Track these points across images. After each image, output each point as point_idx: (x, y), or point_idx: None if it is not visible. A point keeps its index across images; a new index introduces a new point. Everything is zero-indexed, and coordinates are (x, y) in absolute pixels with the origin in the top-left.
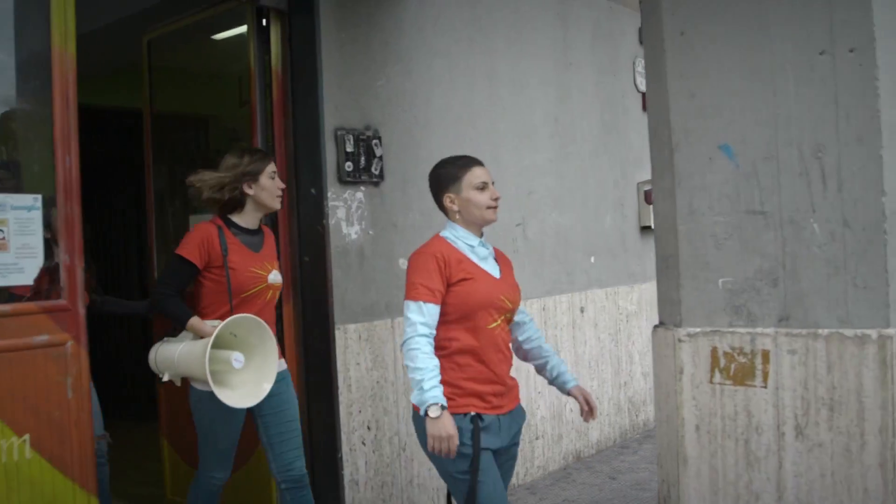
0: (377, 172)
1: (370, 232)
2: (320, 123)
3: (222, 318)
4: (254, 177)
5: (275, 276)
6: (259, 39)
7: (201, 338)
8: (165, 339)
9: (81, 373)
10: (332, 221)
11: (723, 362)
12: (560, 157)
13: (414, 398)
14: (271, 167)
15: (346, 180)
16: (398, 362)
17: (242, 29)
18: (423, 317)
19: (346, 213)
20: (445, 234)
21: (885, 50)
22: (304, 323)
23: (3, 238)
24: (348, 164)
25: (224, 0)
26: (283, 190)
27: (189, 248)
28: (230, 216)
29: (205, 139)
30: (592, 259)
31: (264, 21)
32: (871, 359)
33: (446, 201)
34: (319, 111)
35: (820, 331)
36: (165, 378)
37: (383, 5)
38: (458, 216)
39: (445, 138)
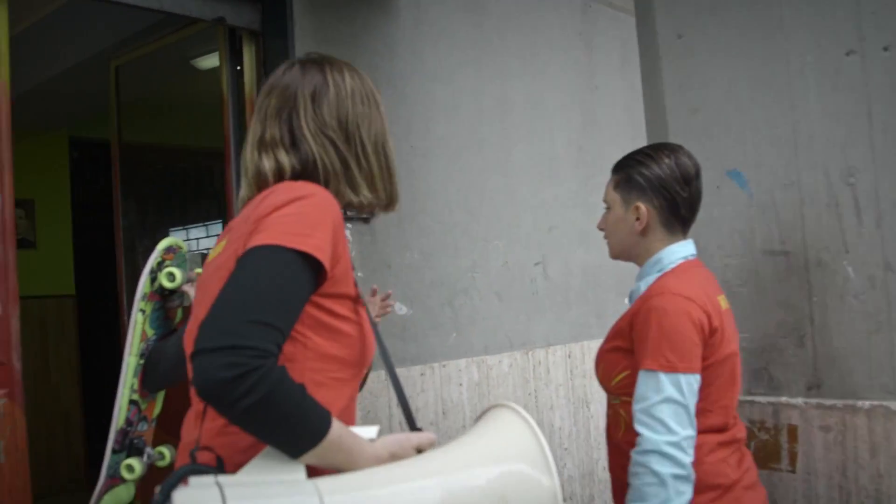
0: None
1: (359, 274)
2: None
3: (344, 416)
4: None
5: None
6: (231, 65)
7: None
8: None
9: (17, 434)
10: None
11: None
12: (586, 189)
13: None
14: None
15: None
16: (394, 419)
17: (215, 53)
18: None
19: None
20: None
21: None
22: None
23: None
24: None
25: (192, 22)
26: None
27: (316, 238)
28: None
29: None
30: (627, 300)
31: (237, 44)
32: None
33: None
34: None
35: (860, 403)
36: None
37: (371, 25)
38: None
39: (448, 169)
